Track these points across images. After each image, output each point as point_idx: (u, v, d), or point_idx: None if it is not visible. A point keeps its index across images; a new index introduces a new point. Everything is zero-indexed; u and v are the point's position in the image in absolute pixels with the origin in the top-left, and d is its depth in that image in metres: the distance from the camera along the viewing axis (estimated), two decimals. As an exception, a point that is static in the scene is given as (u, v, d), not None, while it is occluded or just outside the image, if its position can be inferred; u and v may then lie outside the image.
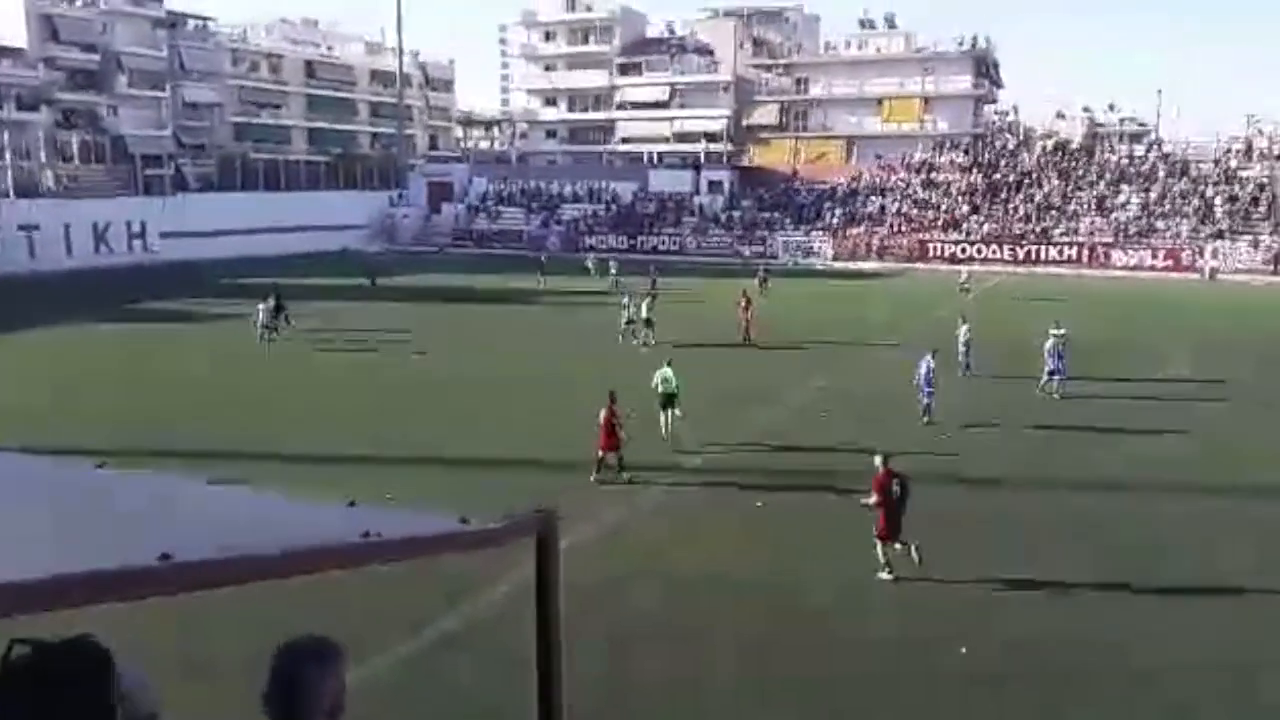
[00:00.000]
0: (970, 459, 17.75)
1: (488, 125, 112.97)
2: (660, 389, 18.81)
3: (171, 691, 1.86)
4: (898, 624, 11.19)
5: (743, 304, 30.79)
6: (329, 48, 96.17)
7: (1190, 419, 20.73)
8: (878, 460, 12.49)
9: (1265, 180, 60.07)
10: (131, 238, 60.51)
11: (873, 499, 12.26)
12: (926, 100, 75.37)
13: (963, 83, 75.15)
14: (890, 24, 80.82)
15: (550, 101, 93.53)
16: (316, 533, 1.79)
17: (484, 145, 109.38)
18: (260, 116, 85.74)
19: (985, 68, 77.49)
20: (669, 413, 18.80)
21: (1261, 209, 58.09)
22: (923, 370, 20.31)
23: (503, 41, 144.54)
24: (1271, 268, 53.64)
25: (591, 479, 16.05)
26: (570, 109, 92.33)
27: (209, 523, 1.82)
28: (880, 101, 76.69)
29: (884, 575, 12.24)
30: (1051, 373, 22.41)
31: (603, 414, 16.38)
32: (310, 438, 18.84)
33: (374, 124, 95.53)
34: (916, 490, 12.41)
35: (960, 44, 75.66)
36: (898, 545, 12.25)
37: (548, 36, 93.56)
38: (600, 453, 16.32)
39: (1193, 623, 11.25)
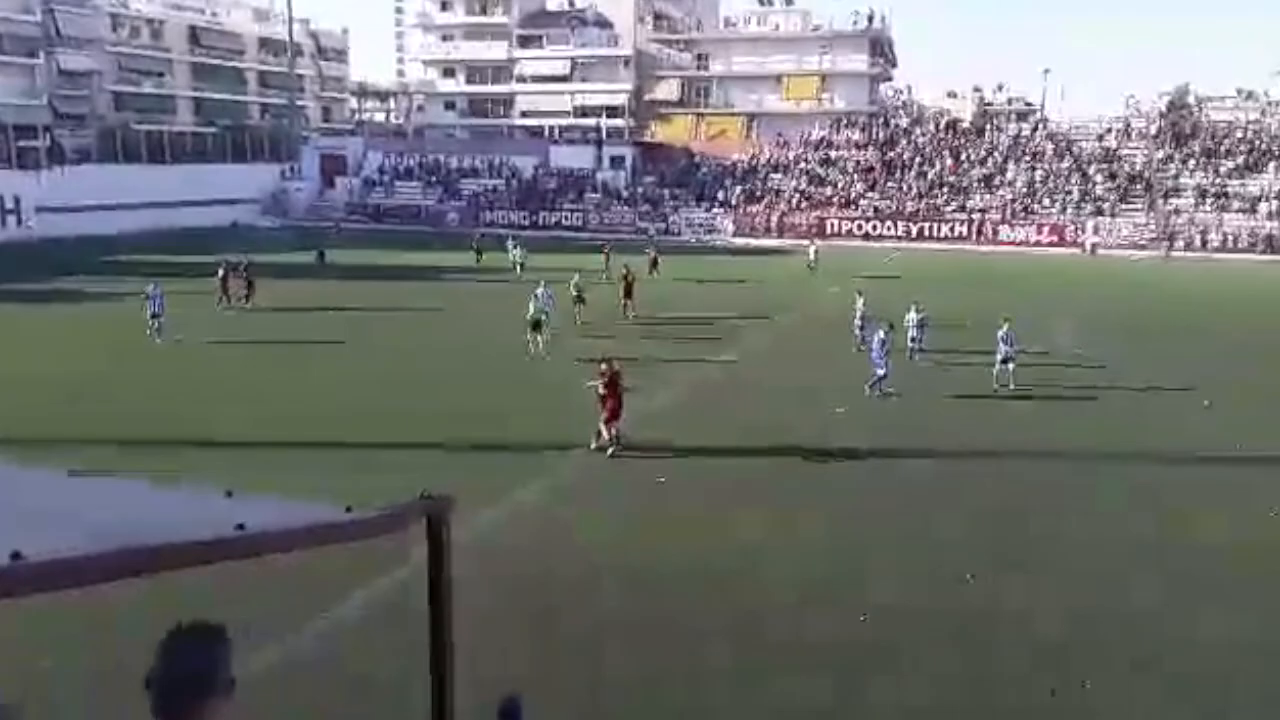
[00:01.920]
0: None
1: (383, 97, 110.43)
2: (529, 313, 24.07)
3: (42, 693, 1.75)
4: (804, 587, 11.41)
5: (624, 282, 31.04)
6: (214, 14, 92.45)
7: (1053, 384, 21.80)
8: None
9: (1143, 159, 62.86)
10: (4, 213, 57.36)
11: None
12: (824, 78, 76.44)
13: (859, 61, 76.43)
14: (788, 1, 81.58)
15: (448, 73, 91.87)
16: (186, 525, 1.69)
17: (379, 118, 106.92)
18: (142, 86, 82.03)
19: (880, 47, 78.95)
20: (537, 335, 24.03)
21: (1139, 187, 60.77)
22: (874, 343, 20.98)
23: (399, 11, 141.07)
24: (1146, 243, 56.23)
25: (609, 453, 16.33)
26: (469, 81, 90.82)
27: (68, 517, 1.70)
28: (779, 79, 77.47)
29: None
30: (913, 347, 23.87)
31: (600, 381, 16.48)
32: (235, 427, 18.16)
33: (264, 95, 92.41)
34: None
35: (856, 23, 76.87)
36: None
37: (445, 6, 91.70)
38: (608, 420, 16.43)
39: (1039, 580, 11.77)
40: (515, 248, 43.47)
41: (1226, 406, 20.31)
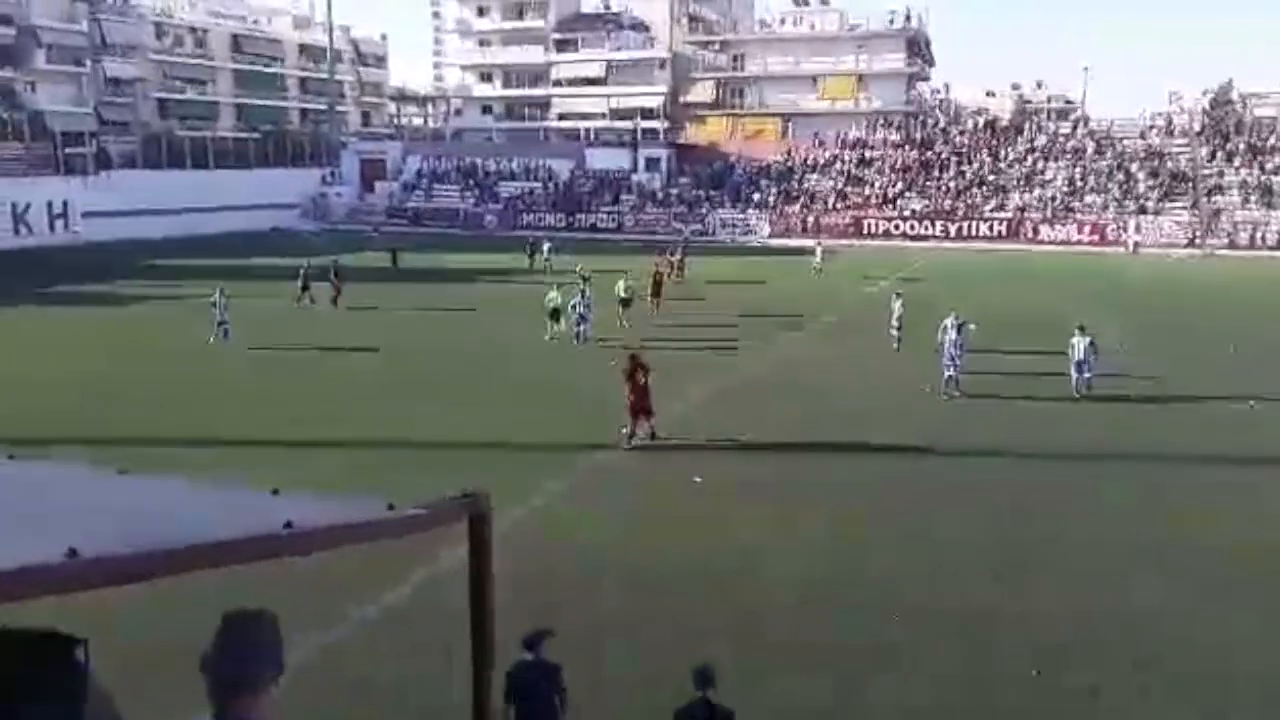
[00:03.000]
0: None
1: (421, 101, 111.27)
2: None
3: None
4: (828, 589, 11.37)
5: (653, 280, 31.82)
6: (255, 22, 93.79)
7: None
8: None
9: (1187, 156, 61.81)
10: (53, 218, 58.53)
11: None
12: (861, 78, 75.96)
13: (896, 61, 75.84)
14: (824, 1, 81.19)
15: (485, 77, 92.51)
16: (235, 523, 1.74)
17: (418, 122, 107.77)
18: (186, 92, 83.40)
19: (917, 46, 78.31)
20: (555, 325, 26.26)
21: (1182, 185, 59.76)
22: (947, 341, 20.42)
23: (436, 16, 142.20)
24: (1188, 242, 55.26)
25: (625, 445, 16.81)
26: (506, 85, 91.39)
27: (119, 515, 1.76)
28: (815, 79, 77.09)
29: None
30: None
31: (633, 374, 16.68)
32: (263, 427, 18.44)
33: (304, 100, 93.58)
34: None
35: (892, 22, 76.33)
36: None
37: (481, 11, 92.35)
38: (636, 416, 16.70)
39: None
40: (548, 249, 44.48)
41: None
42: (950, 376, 20.45)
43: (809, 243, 50.20)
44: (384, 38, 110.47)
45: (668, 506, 14.17)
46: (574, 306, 26.03)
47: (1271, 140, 61.45)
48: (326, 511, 1.98)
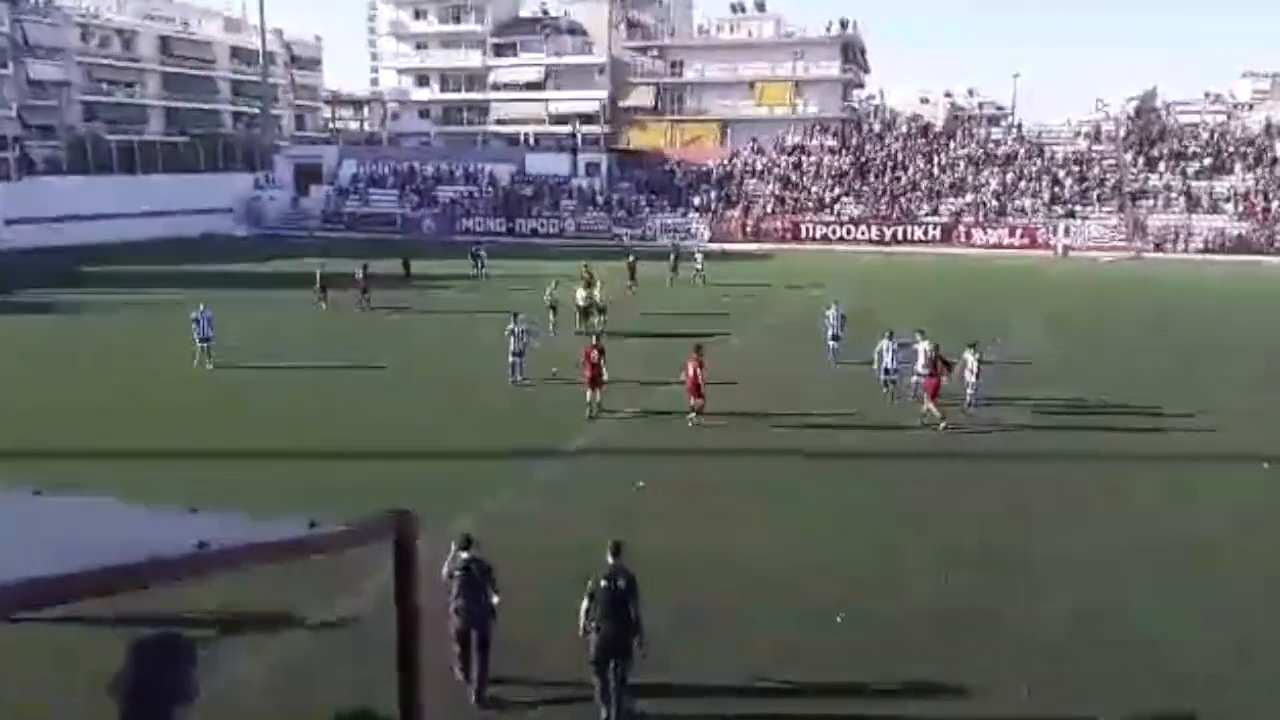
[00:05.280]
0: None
1: (357, 105, 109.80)
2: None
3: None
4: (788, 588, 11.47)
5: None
6: (185, 23, 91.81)
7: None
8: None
9: (1113, 162, 63.57)
10: (-27, 225, 56.63)
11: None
12: (797, 84, 76.83)
13: (831, 67, 76.86)
14: (760, 8, 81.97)
15: (422, 81, 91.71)
16: (150, 543, 1.69)
17: (353, 126, 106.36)
18: (113, 95, 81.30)
19: (853, 53, 79.44)
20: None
21: (1109, 189, 61.41)
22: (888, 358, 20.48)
23: (372, 19, 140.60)
24: (1119, 244, 56.80)
25: (691, 424, 18.59)
26: (443, 89, 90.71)
27: (32, 537, 1.70)
28: (753, 85, 77.78)
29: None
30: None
31: (691, 367, 18.64)
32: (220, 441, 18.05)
33: (236, 103, 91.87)
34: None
35: (828, 29, 77.33)
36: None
37: (418, 14, 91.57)
38: (692, 400, 18.65)
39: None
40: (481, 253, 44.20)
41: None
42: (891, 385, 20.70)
43: (750, 247, 50.41)
44: (318, 40, 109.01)
45: (613, 511, 14.18)
46: (510, 333, 22.49)
47: (1193, 147, 63.45)
48: (246, 530, 1.95)
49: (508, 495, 14.78)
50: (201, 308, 24.08)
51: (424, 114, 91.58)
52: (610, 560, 8.86)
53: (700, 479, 15.96)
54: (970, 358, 19.87)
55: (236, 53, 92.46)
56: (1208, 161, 61.71)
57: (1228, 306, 36.58)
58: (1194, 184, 60.12)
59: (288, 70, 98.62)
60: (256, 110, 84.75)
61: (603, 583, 8.71)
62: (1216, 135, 65.25)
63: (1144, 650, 10.28)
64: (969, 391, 19.99)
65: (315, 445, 17.44)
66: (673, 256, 42.16)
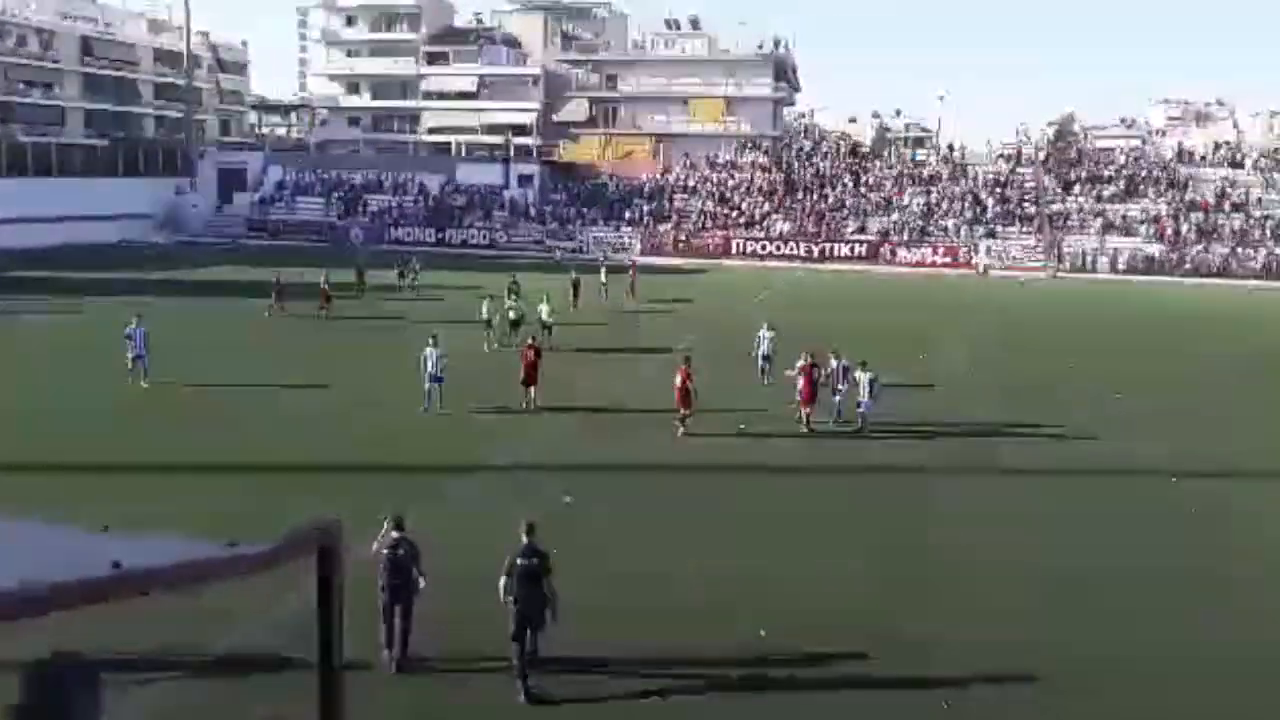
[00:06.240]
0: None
1: (285, 111, 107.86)
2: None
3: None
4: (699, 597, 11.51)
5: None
6: (107, 24, 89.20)
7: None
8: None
9: (1032, 184, 65.48)
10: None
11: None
12: (730, 102, 77.67)
13: (763, 86, 77.86)
14: (694, 25, 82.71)
15: (353, 88, 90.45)
16: (59, 565, 1.62)
17: (280, 132, 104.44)
18: (30, 96, 78.56)
19: (784, 72, 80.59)
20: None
21: (1029, 210, 63.22)
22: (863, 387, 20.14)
23: (302, 24, 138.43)
24: (1037, 265, 58.47)
25: (679, 434, 19.11)
26: (374, 97, 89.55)
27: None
28: (686, 101, 78.41)
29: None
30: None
31: (679, 377, 19.21)
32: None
33: (159, 107, 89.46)
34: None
35: (760, 48, 78.34)
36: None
37: (350, 21, 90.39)
38: (681, 410, 19.20)
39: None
40: (416, 265, 43.41)
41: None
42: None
43: (680, 261, 50.48)
44: (245, 44, 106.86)
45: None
46: (424, 360, 20.98)
47: (1108, 171, 65.69)
48: (160, 550, 1.87)
49: (435, 508, 14.58)
50: (134, 322, 22.72)
51: (354, 121, 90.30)
52: (525, 539, 9.72)
53: (631, 492, 16.00)
54: (862, 376, 20.00)
55: (160, 55, 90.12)
56: (1122, 185, 63.93)
57: (1141, 327, 37.81)
58: (1109, 207, 62.21)
59: (213, 74, 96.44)
60: (180, 114, 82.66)
61: (519, 560, 9.58)
62: (1131, 160, 67.66)
63: (1052, 660, 10.56)
64: (856, 409, 20.14)
65: (251, 462, 17.05)
66: (603, 270, 42.08)
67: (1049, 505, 16.07)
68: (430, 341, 21.18)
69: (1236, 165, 65.46)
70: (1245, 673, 10.52)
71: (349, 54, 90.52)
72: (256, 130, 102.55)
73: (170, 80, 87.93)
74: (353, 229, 67.85)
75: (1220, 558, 13.89)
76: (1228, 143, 73.11)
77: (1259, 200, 61.09)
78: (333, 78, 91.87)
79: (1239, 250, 57.51)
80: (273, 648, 9.54)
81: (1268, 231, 58.47)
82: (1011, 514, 15.57)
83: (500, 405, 21.40)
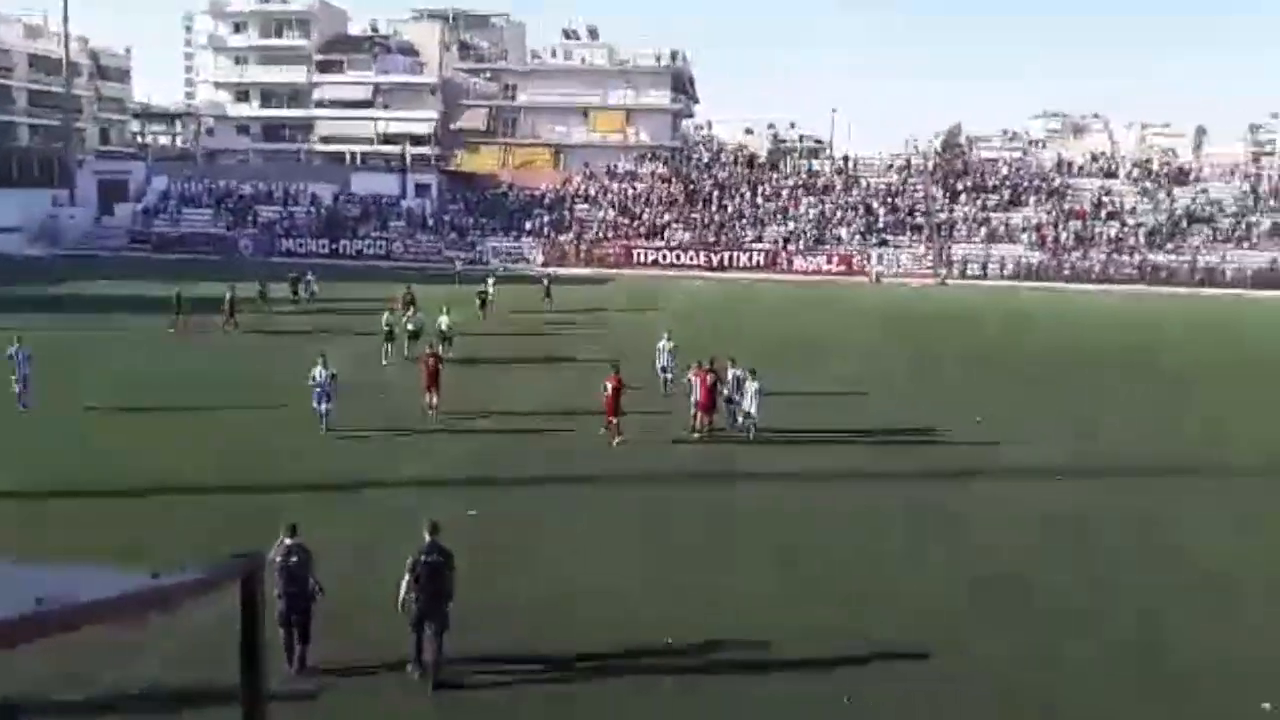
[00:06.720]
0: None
1: (170, 119, 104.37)
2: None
3: None
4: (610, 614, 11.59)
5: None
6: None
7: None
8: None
9: (921, 194, 67.62)
10: None
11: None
12: (629, 112, 78.20)
13: (662, 97, 78.66)
14: (593, 36, 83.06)
15: (242, 96, 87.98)
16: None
17: (165, 141, 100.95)
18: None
19: (682, 83, 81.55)
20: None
21: (918, 219, 65.25)
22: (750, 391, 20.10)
23: (188, 30, 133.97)
24: (927, 272, 60.39)
25: (614, 443, 19.30)
26: (264, 105, 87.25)
27: None
28: (586, 112, 78.63)
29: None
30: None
31: (609, 385, 19.34)
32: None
33: (34, 115, 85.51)
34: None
35: (659, 60, 79.11)
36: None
37: (238, 28, 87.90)
38: (610, 419, 19.44)
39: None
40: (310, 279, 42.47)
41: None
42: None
43: (584, 271, 50.32)
44: (128, 51, 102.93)
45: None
46: (314, 379, 20.04)
47: (993, 181, 68.29)
48: (82, 583, 1.84)
49: (339, 523, 14.31)
50: (17, 343, 21.46)
51: (243, 130, 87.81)
52: (428, 537, 10.16)
53: (534, 506, 15.99)
54: (750, 385, 20.17)
55: (36, 61, 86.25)
56: (1006, 195, 66.53)
57: (1026, 331, 39.36)
58: (993, 215, 64.68)
59: (93, 81, 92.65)
60: (57, 123, 79.12)
61: (423, 557, 9.99)
62: (1013, 171, 70.50)
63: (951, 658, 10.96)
64: (743, 419, 20.30)
65: (142, 486, 16.42)
66: (489, 282, 40.41)
67: (937, 505, 16.62)
68: (319, 360, 20.30)
69: (1111, 175, 68.81)
70: (1120, 666, 11.09)
71: (237, 61, 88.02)
72: (140, 139, 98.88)
73: (47, 87, 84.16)
74: (241, 240, 65.93)
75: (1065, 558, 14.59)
76: (1103, 154, 76.89)
77: (1133, 209, 64.32)
78: (220, 85, 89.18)
79: (1114, 256, 60.43)
80: (173, 681, 9.26)
81: (1140, 238, 61.59)
82: (907, 514, 16.06)
83: (401, 420, 21.13)
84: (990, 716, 9.93)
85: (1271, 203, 64.46)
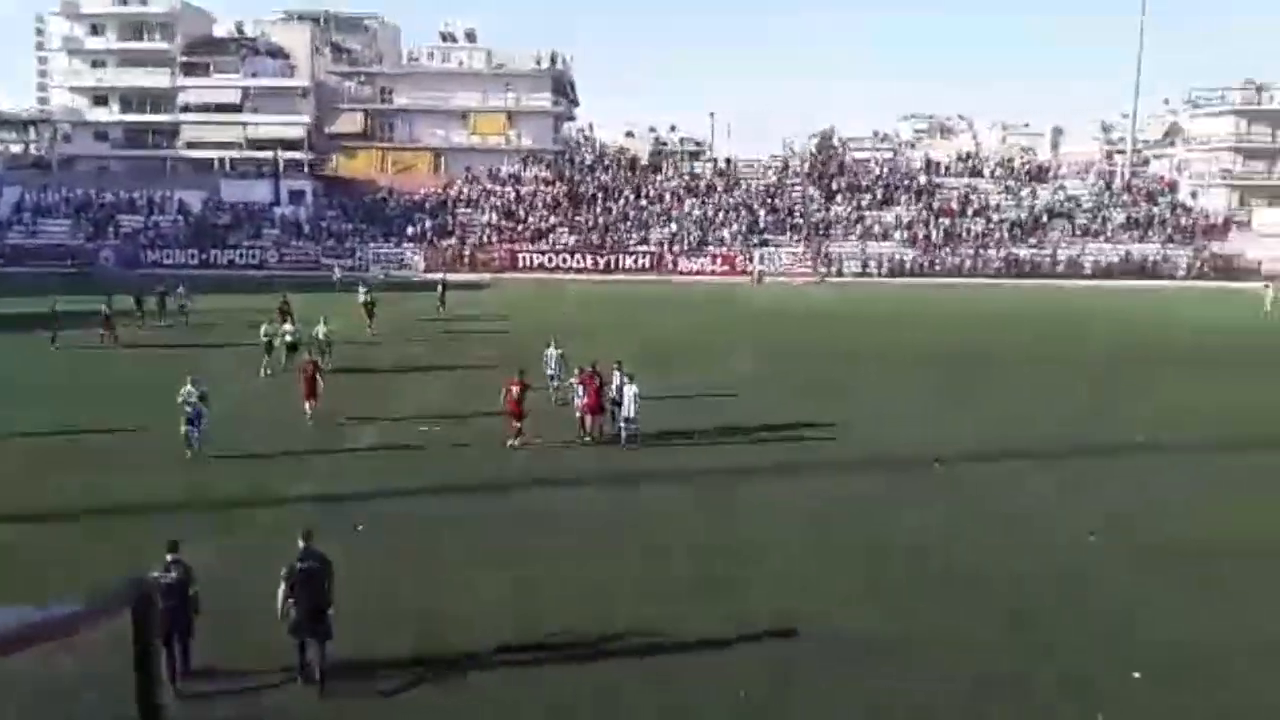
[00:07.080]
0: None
1: (22, 126, 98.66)
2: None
3: None
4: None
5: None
6: None
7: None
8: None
9: (799, 194, 69.28)
10: None
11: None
12: (510, 115, 77.70)
13: (543, 100, 78.40)
14: (471, 38, 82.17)
15: (100, 101, 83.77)
16: None
17: (16, 149, 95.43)
18: None
19: (563, 86, 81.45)
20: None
21: (796, 219, 66.82)
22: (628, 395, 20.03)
23: (40, 33, 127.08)
24: (807, 270, 61.90)
25: (511, 444, 19.53)
26: (125, 110, 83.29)
27: None
28: (466, 115, 77.79)
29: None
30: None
31: (513, 389, 19.54)
32: None
33: None
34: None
35: (539, 63, 78.83)
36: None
37: (95, 30, 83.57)
38: (514, 423, 19.64)
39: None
40: (180, 292, 39.78)
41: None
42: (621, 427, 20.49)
43: (470, 277, 49.78)
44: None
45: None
46: (183, 402, 19.03)
47: (866, 181, 70.45)
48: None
49: (219, 542, 13.82)
50: None
51: (102, 136, 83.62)
52: (302, 544, 10.29)
53: (425, 515, 15.79)
54: (628, 389, 20.16)
55: None
56: (879, 195, 68.72)
57: (902, 324, 40.73)
58: (867, 214, 66.73)
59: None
60: (-108, 128, 74.02)
61: (298, 565, 10.08)
62: (885, 171, 72.87)
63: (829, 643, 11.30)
64: (622, 424, 20.32)
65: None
66: (363, 291, 38.05)
67: (822, 496, 17.08)
68: (187, 379, 19.35)
69: (976, 174, 71.89)
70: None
71: (95, 64, 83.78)
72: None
73: (-121, 90, 78.61)
74: (103, 252, 62.93)
75: (969, 528, 15.23)
76: (969, 154, 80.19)
77: (997, 206, 67.30)
78: (76, 90, 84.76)
79: (981, 252, 63.08)
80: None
81: (1004, 234, 64.46)
82: (796, 507, 16.45)
83: (281, 436, 20.54)
84: (860, 681, 10.27)
85: (1124, 197, 68.42)
